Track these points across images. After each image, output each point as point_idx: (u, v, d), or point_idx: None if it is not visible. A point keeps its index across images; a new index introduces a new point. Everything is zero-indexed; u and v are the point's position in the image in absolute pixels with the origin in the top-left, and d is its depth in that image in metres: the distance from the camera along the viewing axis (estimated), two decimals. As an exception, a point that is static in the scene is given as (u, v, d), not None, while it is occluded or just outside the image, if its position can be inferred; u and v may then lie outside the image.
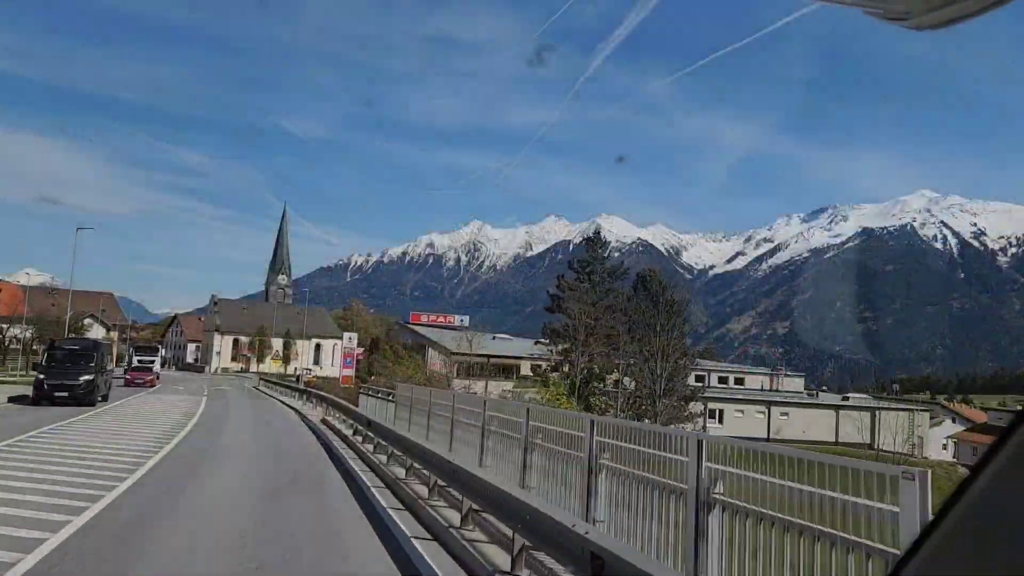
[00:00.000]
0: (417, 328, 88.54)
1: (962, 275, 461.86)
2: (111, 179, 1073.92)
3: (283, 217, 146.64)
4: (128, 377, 47.54)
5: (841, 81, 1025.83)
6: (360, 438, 18.67)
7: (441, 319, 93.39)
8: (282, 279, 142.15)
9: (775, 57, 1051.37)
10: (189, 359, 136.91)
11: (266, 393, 51.29)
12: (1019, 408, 0.93)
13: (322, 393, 29.66)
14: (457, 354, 73.77)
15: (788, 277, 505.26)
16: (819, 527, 4.57)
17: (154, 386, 47.28)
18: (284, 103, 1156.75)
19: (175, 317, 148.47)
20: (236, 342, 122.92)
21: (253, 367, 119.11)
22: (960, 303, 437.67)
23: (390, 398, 20.64)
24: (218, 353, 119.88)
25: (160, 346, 65.22)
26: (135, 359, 58.68)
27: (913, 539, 1.05)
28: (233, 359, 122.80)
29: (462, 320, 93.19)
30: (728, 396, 64.37)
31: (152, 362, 58.16)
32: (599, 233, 58.31)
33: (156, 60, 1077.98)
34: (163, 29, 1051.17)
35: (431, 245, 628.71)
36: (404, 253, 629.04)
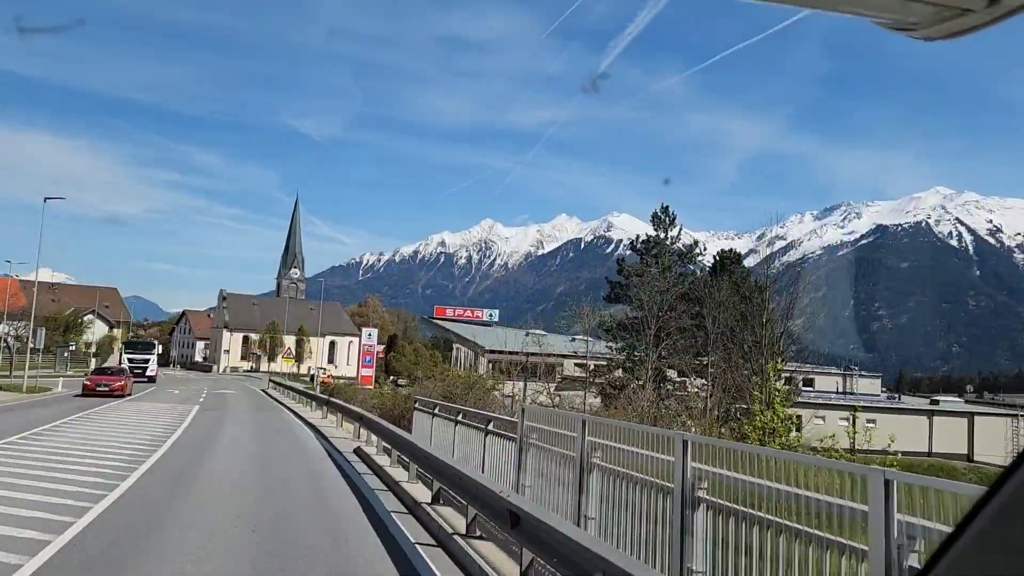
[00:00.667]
0: (444, 323, 78.99)
1: (978, 272, 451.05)
2: (124, 179, 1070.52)
3: (295, 209, 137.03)
4: (87, 383, 34.43)
5: (853, 78, 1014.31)
6: (450, 513, 9.24)
7: (468, 313, 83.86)
8: (295, 273, 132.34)
9: (786, 54, 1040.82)
10: (198, 357, 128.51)
11: (276, 400, 41.71)
12: None
13: (358, 410, 19.82)
14: (494, 351, 64.32)
15: (801, 275, 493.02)
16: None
17: (126, 393, 35.32)
18: (295, 103, 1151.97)
19: (183, 314, 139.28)
20: (246, 340, 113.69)
21: (264, 366, 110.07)
22: (976, 301, 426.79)
23: (489, 426, 11.10)
24: (226, 351, 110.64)
25: (157, 343, 55.63)
26: (125, 357, 49.36)
27: (938, 545, 1.04)
28: (243, 358, 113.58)
29: (491, 315, 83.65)
30: (814, 401, 54.58)
31: (146, 361, 49.16)
32: (668, 208, 48.79)
33: (167, 60, 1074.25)
34: (174, 29, 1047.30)
35: (442, 244, 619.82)
36: (415, 252, 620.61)
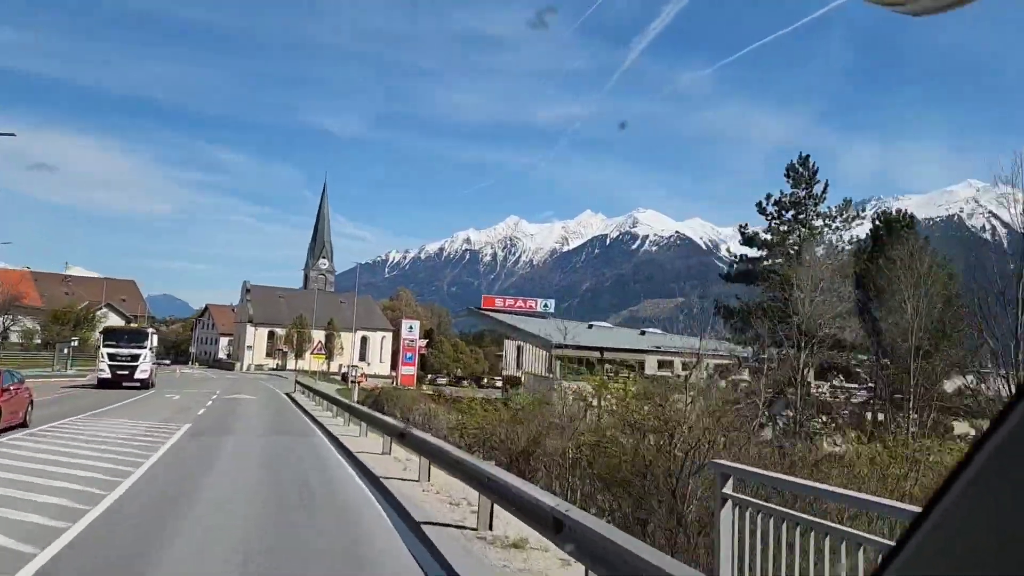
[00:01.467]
0: (497, 315, 67.31)
1: (1011, 267, 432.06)
2: (153, 179, 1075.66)
3: (323, 196, 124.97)
4: None
5: (883, 70, 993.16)
6: None
7: (520, 304, 72.18)
8: (323, 264, 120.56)
9: (814, 47, 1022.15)
10: (222, 354, 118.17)
11: (304, 410, 30.14)
12: (1004, 404, 0.89)
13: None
14: (563, 347, 52.64)
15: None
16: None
17: (17, 424, 17.19)
18: (319, 102, 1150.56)
19: (206, 308, 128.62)
20: (271, 335, 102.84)
21: (291, 363, 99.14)
22: (1012, 295, 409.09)
23: None
24: (250, 347, 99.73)
25: (151, 331, 43.18)
26: (104, 352, 37.51)
27: (900, 535, 1.03)
28: (268, 354, 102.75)
29: (546, 304, 71.94)
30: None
31: (135, 359, 37.37)
32: (808, 158, 36.78)
33: (195, 62, 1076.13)
34: (200, 31, 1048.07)
35: (467, 241, 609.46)
36: (441, 249, 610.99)
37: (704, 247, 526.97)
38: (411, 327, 65.22)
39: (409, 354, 64.42)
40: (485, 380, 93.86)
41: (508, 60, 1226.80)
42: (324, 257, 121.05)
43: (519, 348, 69.43)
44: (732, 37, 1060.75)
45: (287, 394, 42.49)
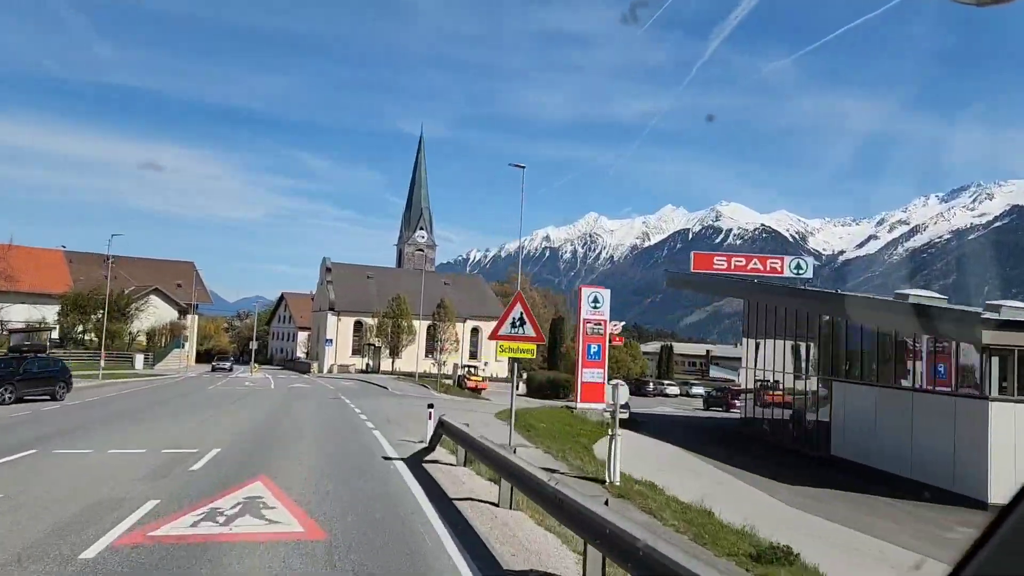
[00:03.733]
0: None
1: None
2: (244, 186, 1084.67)
3: (418, 151, 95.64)
4: None
5: (979, 51, 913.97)
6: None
7: (755, 265, 41.61)
8: (421, 236, 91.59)
9: (905, 29, 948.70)
10: (300, 352, 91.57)
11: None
12: None
13: None
14: (1017, 325, 22.17)
15: (928, 261, 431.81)
16: None
17: None
18: (403, 107, 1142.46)
19: (282, 297, 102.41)
20: (359, 326, 74.79)
21: (385, 363, 71.19)
22: None
23: None
24: (329, 341, 71.62)
25: None
26: None
27: (979, 534, 0.95)
28: (355, 351, 74.66)
29: (800, 266, 41.21)
30: None
31: None
32: None
33: (279, 69, 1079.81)
34: (286, 40, 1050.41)
35: (547, 238, 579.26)
36: (521, 247, 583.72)
37: (791, 239, 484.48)
38: (596, 300, 35.62)
39: (594, 346, 34.94)
40: (651, 386, 63.76)
41: (588, 57, 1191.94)
42: (422, 228, 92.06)
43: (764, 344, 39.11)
44: (815, 24, 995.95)
45: (426, 459, 13.08)
